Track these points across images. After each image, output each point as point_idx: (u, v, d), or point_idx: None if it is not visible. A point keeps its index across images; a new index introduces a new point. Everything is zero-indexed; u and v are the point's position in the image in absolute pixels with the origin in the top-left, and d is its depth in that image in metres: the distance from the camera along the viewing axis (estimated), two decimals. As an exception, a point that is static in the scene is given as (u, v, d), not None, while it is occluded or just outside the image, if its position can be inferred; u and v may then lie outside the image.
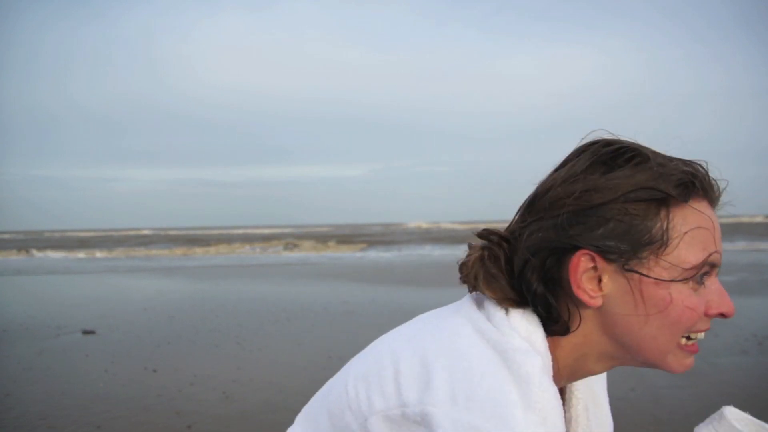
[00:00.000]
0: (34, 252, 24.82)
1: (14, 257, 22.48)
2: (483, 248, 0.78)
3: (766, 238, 21.37)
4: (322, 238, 37.14)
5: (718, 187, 0.75)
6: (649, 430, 3.16)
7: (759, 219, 41.87)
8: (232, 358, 4.80)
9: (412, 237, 34.60)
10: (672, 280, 0.69)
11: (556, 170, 0.76)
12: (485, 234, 0.79)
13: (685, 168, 0.72)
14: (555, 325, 0.73)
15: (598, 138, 0.75)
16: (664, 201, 0.70)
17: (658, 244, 0.69)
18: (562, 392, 0.83)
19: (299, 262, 16.61)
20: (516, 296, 0.74)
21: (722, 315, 0.74)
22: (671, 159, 0.73)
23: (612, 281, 0.71)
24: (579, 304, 0.72)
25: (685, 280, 0.70)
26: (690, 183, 0.71)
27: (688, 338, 0.74)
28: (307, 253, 22.95)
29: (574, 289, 0.71)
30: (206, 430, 3.25)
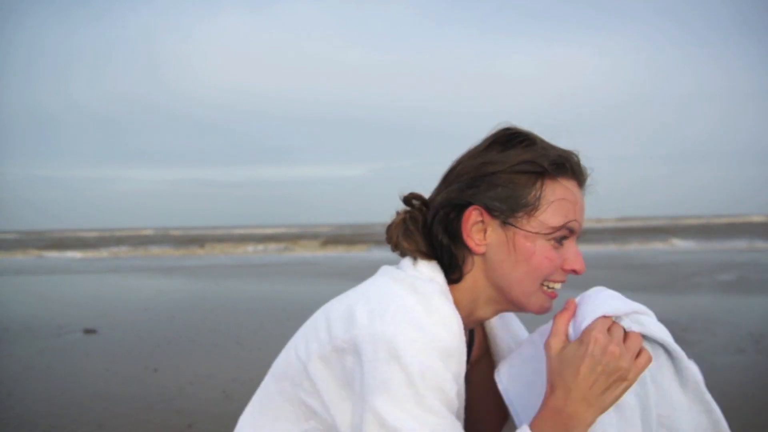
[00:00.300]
0: (36, 251, 24.85)
1: (15, 257, 22.51)
2: (405, 212, 0.97)
3: (766, 238, 21.35)
4: (323, 237, 37.16)
5: (586, 172, 0.94)
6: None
7: (759, 218, 41.82)
8: (232, 357, 4.82)
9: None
10: (537, 233, 0.88)
11: (468, 150, 0.96)
12: (409, 198, 0.97)
13: (561, 153, 0.91)
14: (453, 274, 0.92)
15: (502, 126, 0.95)
16: (540, 174, 0.89)
17: (531, 207, 0.88)
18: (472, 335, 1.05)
19: (299, 262, 16.63)
20: (427, 250, 0.92)
21: (574, 271, 0.93)
22: (553, 146, 0.93)
23: (494, 233, 0.90)
24: (469, 252, 0.91)
25: (547, 237, 0.88)
26: (562, 164, 0.90)
27: (548, 287, 0.93)
28: (306, 253, 22.96)
29: (465, 237, 0.90)
30: (207, 429, 3.27)
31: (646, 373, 0.84)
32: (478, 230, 0.90)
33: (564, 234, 0.90)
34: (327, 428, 0.88)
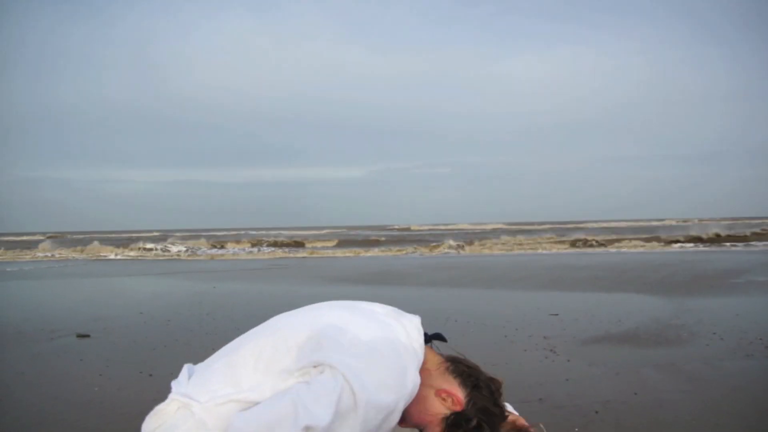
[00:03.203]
0: (30, 253, 24.68)
1: (9, 259, 22.35)
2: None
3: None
4: (322, 239, 37.05)
5: None
6: (654, 434, 3.11)
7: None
8: (229, 361, 4.73)
9: (412, 238, 34.60)
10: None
11: None
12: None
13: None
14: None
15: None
16: None
17: None
18: None
19: (298, 264, 16.53)
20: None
21: None
22: None
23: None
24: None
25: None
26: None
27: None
28: (305, 254, 22.87)
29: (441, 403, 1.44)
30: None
31: None
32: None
33: None
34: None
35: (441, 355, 1.47)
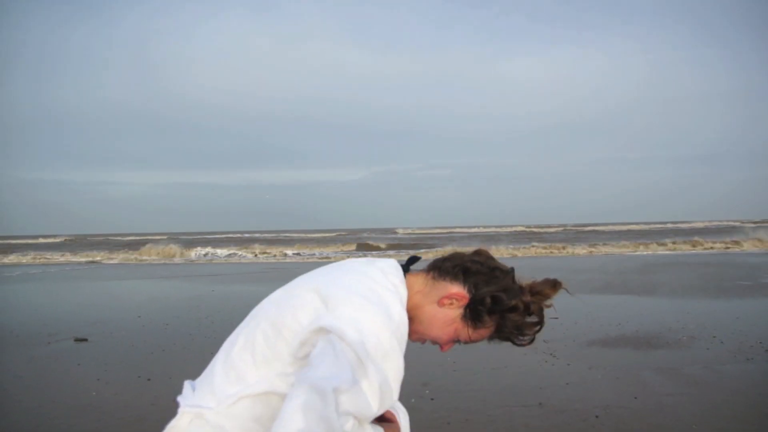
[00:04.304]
0: (27, 257, 24.63)
1: (6, 262, 22.30)
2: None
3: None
4: (322, 241, 37.03)
5: None
6: (655, 439, 3.10)
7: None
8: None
9: (412, 240, 34.56)
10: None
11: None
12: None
13: None
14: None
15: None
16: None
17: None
18: None
19: (297, 266, 16.51)
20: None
21: (441, 347, 1.48)
22: None
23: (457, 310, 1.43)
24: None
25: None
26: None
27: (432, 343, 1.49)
28: (305, 256, 22.85)
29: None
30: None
31: None
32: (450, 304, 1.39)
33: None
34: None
35: (423, 271, 1.44)
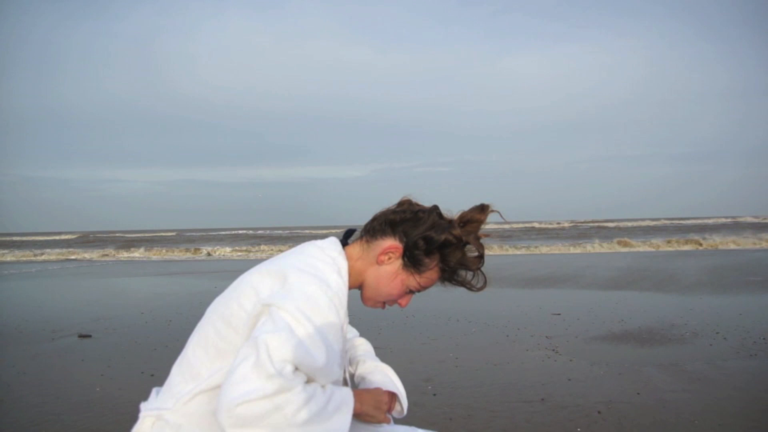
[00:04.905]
0: (32, 254, 24.69)
1: (11, 259, 22.36)
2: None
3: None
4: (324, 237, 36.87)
5: None
6: (657, 435, 3.10)
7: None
8: (230, 361, 4.72)
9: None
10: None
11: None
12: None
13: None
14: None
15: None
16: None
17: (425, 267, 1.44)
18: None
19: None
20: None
21: (400, 305, 1.45)
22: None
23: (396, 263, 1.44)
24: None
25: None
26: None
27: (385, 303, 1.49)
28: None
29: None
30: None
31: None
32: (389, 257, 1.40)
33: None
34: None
35: (358, 239, 1.46)
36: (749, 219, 46.53)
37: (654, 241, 23.89)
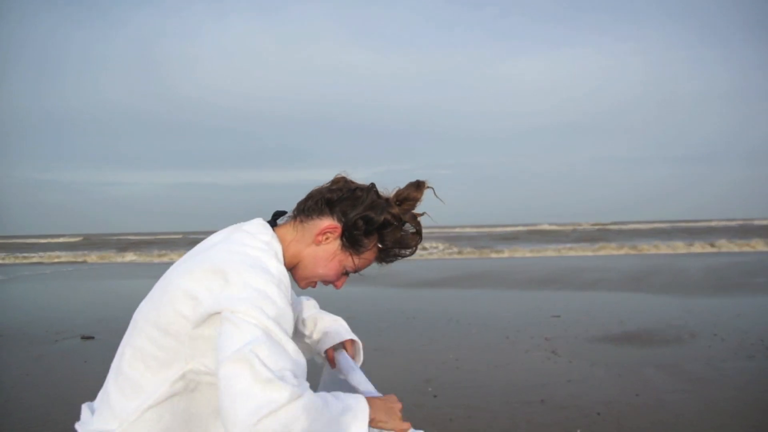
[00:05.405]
0: (35, 256, 24.72)
1: (13, 261, 22.40)
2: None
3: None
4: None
5: None
6: (655, 435, 3.12)
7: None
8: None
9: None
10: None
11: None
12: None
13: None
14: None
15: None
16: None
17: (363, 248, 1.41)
18: None
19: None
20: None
21: (335, 286, 1.44)
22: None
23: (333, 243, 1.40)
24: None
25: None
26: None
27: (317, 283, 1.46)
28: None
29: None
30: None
31: None
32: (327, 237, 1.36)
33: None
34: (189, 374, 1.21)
35: (290, 220, 1.40)
36: (750, 221, 46.50)
37: (654, 242, 23.90)
